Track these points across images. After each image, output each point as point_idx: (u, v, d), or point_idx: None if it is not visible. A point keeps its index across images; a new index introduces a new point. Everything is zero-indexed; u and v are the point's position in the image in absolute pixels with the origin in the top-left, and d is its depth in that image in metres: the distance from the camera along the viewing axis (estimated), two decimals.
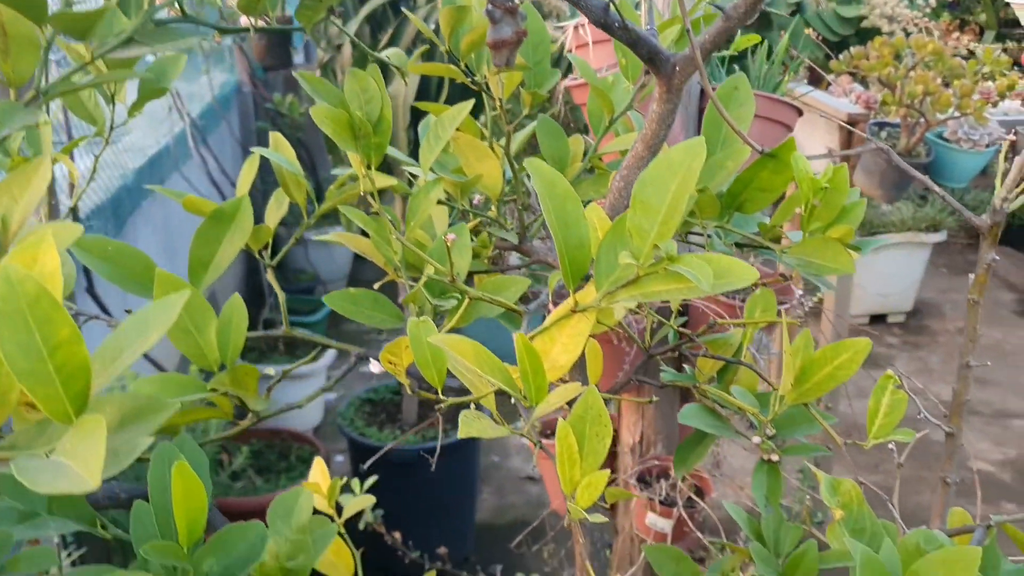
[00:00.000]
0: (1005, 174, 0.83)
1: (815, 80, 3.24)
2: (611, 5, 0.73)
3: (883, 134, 2.57)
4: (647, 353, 0.95)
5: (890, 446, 0.96)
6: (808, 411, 0.86)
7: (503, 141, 1.01)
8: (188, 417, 0.84)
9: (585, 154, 1.06)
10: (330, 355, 3.70)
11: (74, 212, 0.93)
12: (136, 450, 0.40)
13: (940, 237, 4.50)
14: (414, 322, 0.67)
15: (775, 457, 0.95)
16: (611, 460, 1.78)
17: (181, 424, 0.84)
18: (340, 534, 0.99)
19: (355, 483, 1.61)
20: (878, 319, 4.65)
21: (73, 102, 0.83)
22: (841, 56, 2.45)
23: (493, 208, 1.05)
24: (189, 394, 0.75)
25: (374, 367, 0.78)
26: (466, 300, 0.78)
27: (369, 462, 1.72)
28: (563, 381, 0.75)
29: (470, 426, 0.69)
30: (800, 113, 1.62)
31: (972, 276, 0.83)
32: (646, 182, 0.67)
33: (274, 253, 0.96)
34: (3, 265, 0.39)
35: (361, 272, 5.08)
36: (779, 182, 0.82)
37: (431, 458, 2.86)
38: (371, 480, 1.66)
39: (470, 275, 1.05)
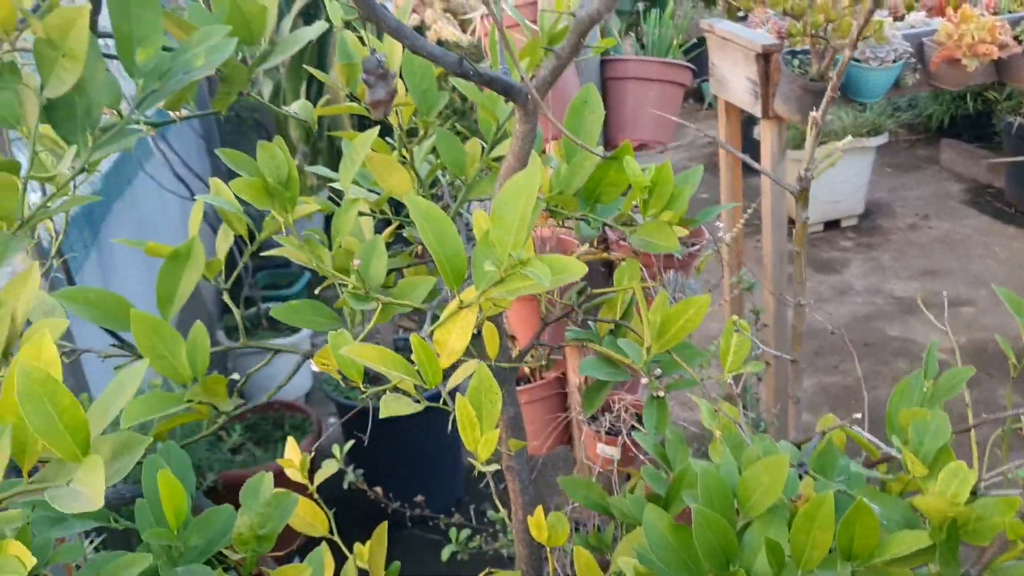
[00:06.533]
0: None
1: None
2: (463, 60, 0.90)
3: (796, 62, 2.73)
4: (543, 321, 1.15)
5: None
6: (672, 357, 1.06)
7: (417, 148, 1.20)
8: (173, 423, 1.04)
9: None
10: None
11: (60, 253, 1.11)
12: (124, 472, 0.59)
13: (882, 140, 4.68)
14: (333, 335, 0.86)
15: (661, 393, 1.15)
16: (562, 400, 1.99)
17: (169, 429, 1.04)
18: (314, 498, 1.19)
19: (335, 448, 1.82)
20: (832, 225, 4.85)
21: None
22: None
23: None
24: (170, 408, 0.94)
25: (313, 367, 0.97)
26: (379, 305, 0.97)
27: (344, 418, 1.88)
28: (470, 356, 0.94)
29: (390, 406, 0.88)
30: (694, 72, 1.79)
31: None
32: (501, 202, 0.86)
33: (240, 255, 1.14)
34: (19, 361, 0.57)
35: None
36: (624, 178, 1.00)
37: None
38: (349, 445, 1.86)
39: (399, 269, 1.25)
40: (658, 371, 1.16)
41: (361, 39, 1.19)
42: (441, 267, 0.88)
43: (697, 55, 2.89)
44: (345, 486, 1.75)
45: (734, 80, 2.97)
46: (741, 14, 2.83)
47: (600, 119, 1.05)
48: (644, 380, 1.15)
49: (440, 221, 0.87)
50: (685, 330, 1.01)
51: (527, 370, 2.09)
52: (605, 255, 1.16)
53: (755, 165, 1.05)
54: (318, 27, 0.85)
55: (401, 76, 1.17)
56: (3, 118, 0.63)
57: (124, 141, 0.75)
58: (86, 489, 0.55)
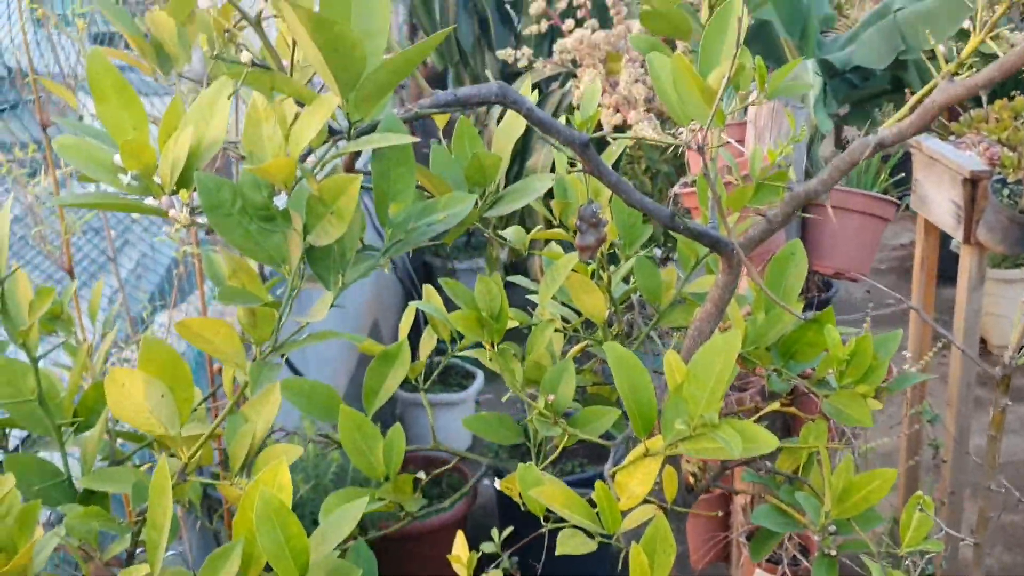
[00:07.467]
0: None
1: (953, 117, 3.26)
2: (674, 216, 0.94)
3: (1005, 191, 2.61)
4: (723, 465, 1.15)
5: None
6: (851, 525, 1.04)
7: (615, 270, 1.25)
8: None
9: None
10: (478, 383, 3.99)
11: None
12: None
13: None
14: (523, 468, 0.91)
15: (832, 552, 1.14)
16: (724, 519, 1.96)
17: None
18: None
19: (494, 533, 1.87)
20: None
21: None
22: (961, 119, 2.52)
23: (599, 331, 1.27)
24: (364, 506, 1.01)
25: (497, 485, 1.02)
26: (565, 436, 1.01)
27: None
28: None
29: (565, 544, 0.92)
30: (898, 207, 1.76)
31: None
32: (698, 362, 0.88)
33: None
34: (258, 487, 0.65)
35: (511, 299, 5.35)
36: (822, 340, 1.00)
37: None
38: (507, 531, 1.90)
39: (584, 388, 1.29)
40: (832, 527, 1.14)
41: (571, 164, 1.25)
42: (631, 414, 0.91)
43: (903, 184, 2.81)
44: (500, 572, 1.79)
45: (937, 200, 2.86)
46: (953, 136, 2.74)
47: (803, 276, 1.06)
48: (816, 538, 1.14)
49: (635, 371, 0.91)
50: (867, 502, 1.00)
51: (692, 480, 2.08)
52: (792, 410, 1.16)
53: (947, 335, 1.02)
54: (546, 181, 0.92)
55: (609, 203, 1.22)
56: (271, 257, 0.73)
57: (363, 271, 0.83)
58: None
